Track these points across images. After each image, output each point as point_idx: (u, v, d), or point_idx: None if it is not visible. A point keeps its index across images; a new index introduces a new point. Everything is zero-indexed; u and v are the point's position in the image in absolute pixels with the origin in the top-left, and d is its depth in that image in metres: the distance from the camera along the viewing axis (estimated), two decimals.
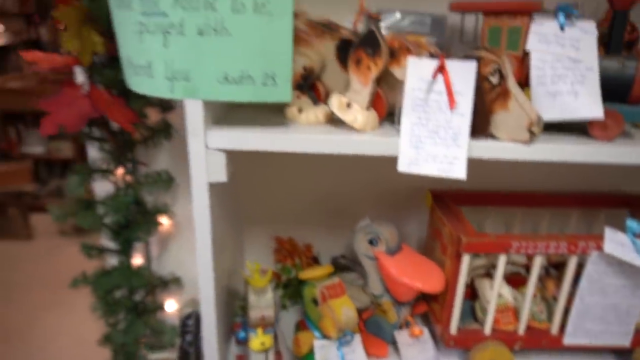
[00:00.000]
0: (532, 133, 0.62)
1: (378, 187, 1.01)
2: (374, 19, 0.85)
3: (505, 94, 0.62)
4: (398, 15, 0.85)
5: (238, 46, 0.58)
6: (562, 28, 0.69)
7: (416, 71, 0.63)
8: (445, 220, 0.84)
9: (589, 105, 0.66)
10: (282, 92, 0.61)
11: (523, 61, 0.71)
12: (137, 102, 0.82)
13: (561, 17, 0.69)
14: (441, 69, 0.62)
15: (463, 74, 0.62)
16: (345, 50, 0.69)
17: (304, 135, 0.63)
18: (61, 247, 3.12)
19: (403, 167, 0.64)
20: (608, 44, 0.71)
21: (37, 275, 2.83)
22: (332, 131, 0.66)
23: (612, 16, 0.70)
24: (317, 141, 0.63)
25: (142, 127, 0.85)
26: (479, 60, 0.61)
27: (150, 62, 0.60)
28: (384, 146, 0.64)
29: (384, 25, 0.86)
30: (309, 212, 1.04)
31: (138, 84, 0.63)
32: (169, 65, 0.59)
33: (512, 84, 0.62)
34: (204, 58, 0.58)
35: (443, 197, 0.94)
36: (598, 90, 0.66)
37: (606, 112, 0.66)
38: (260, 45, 0.59)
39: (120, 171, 0.88)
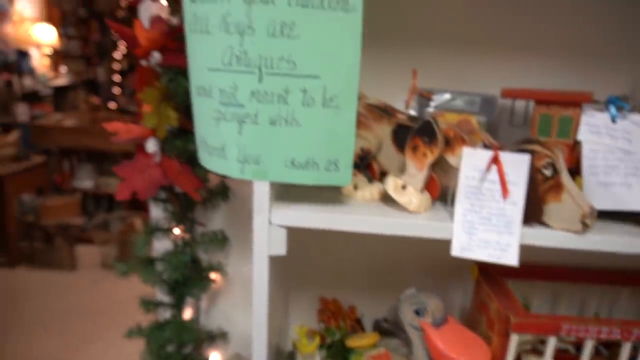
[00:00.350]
0: (585, 225, 0.64)
1: (423, 254, 1.03)
2: (426, 97, 0.90)
3: (558, 187, 0.64)
4: (448, 95, 0.89)
5: (306, 135, 0.63)
6: (613, 120, 0.71)
7: (471, 161, 0.66)
8: (493, 295, 0.85)
9: None
10: (344, 176, 0.66)
11: (574, 149, 0.74)
12: (201, 169, 0.88)
13: (612, 110, 0.71)
14: (495, 160, 0.65)
15: (516, 166, 0.65)
16: (401, 134, 0.74)
17: (362, 217, 0.67)
18: (103, 279, 3.22)
19: (456, 251, 0.66)
20: None
21: (80, 306, 2.93)
22: (387, 212, 0.70)
23: None
24: (375, 223, 0.67)
25: (203, 190, 0.91)
26: (533, 153, 0.64)
27: (225, 145, 0.66)
28: (437, 230, 0.67)
29: (433, 104, 0.90)
30: (354, 275, 1.06)
31: (211, 163, 0.69)
32: (242, 149, 0.65)
33: (565, 177, 0.64)
34: (274, 145, 0.64)
35: (489, 269, 0.94)
36: None
37: None
38: (326, 134, 0.64)
39: (179, 230, 0.94)
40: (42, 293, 3.02)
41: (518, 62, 0.91)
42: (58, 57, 4.62)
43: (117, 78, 5.50)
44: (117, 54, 5.45)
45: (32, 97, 4.15)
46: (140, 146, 0.83)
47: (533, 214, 0.66)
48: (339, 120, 0.64)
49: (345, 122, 0.64)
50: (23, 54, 4.14)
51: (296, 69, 0.61)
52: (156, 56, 0.80)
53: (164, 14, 0.79)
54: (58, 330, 2.68)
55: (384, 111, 0.76)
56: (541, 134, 0.76)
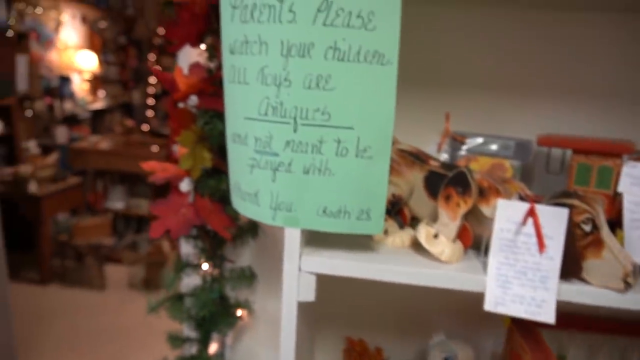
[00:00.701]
0: (627, 284, 0.61)
1: (454, 300, 1.00)
2: (459, 141, 0.89)
3: (598, 243, 0.62)
4: (481, 139, 0.89)
5: (339, 184, 0.64)
6: None
7: (505, 213, 0.65)
8: (526, 346, 0.82)
9: None
10: (375, 226, 0.65)
11: (614, 200, 0.72)
12: (232, 207, 0.89)
13: None
14: (531, 213, 0.64)
15: (554, 220, 0.63)
16: (433, 182, 0.73)
17: (393, 267, 0.66)
18: (131, 299, 3.27)
19: (490, 306, 0.64)
20: None
21: (107, 326, 2.97)
22: (418, 261, 0.69)
23: None
24: (405, 273, 0.66)
25: (233, 227, 0.92)
26: (572, 208, 0.63)
27: (258, 191, 0.67)
28: (470, 283, 0.65)
29: (466, 147, 0.89)
30: (382, 316, 1.04)
31: (243, 207, 0.70)
32: (275, 196, 0.66)
33: (605, 233, 0.62)
34: (307, 193, 0.64)
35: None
36: None
37: None
38: (359, 184, 0.64)
39: (208, 266, 0.95)
40: (71, 312, 3.08)
41: (554, 106, 0.90)
42: (97, 82, 4.83)
43: (150, 101, 5.70)
44: (152, 79, 5.66)
45: (71, 120, 4.33)
46: (174, 185, 0.85)
47: (571, 270, 0.63)
48: (372, 170, 0.64)
49: (378, 173, 0.64)
50: (65, 79, 4.34)
51: (331, 120, 0.62)
52: (193, 98, 0.83)
53: (202, 59, 0.82)
54: (86, 351, 2.72)
55: (417, 157, 0.76)
56: (579, 184, 0.74)
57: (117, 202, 3.74)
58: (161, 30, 4.47)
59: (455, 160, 0.90)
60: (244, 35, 0.63)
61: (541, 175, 0.87)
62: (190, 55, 0.82)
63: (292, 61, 0.61)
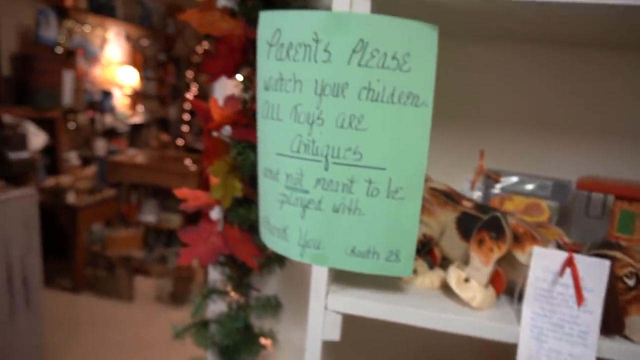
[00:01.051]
0: None
1: (481, 347, 0.96)
2: (493, 179, 0.87)
3: None
4: (516, 178, 0.86)
5: (368, 224, 0.63)
6: None
7: (542, 261, 0.62)
8: None
9: None
10: (404, 267, 0.64)
11: None
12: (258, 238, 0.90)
13: None
14: (569, 263, 0.61)
15: (594, 271, 0.60)
16: (466, 223, 0.71)
17: (421, 311, 0.64)
18: (157, 313, 3.31)
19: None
20: None
21: (133, 338, 3.01)
22: (447, 305, 0.67)
23: None
24: (434, 319, 0.64)
25: (261, 257, 0.92)
26: (613, 260, 0.60)
27: (286, 227, 0.67)
28: (502, 333, 0.63)
29: (500, 185, 0.87)
30: (405, 356, 1.01)
31: (272, 242, 0.70)
32: (303, 233, 0.65)
33: None
34: (336, 232, 0.64)
35: None
36: None
37: None
38: (389, 225, 0.63)
39: (235, 294, 0.95)
40: (100, 321, 3.15)
41: (593, 147, 0.86)
42: (137, 97, 5.01)
43: (186, 117, 5.85)
44: (189, 95, 5.82)
45: (110, 133, 4.49)
46: (205, 213, 0.86)
47: (613, 326, 0.60)
48: (403, 211, 0.63)
49: (409, 214, 0.63)
50: (107, 94, 4.52)
51: (362, 160, 0.62)
52: (227, 128, 0.84)
53: (237, 91, 0.84)
54: None
55: (449, 197, 0.74)
56: (622, 232, 0.71)
57: (149, 215, 3.83)
58: (199, 50, 4.63)
59: (489, 199, 0.87)
60: (279, 73, 0.64)
61: (581, 219, 0.83)
62: (226, 86, 0.84)
63: (325, 100, 0.61)
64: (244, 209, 0.86)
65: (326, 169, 0.63)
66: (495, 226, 0.64)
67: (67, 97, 3.81)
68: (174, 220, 3.78)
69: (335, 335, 0.68)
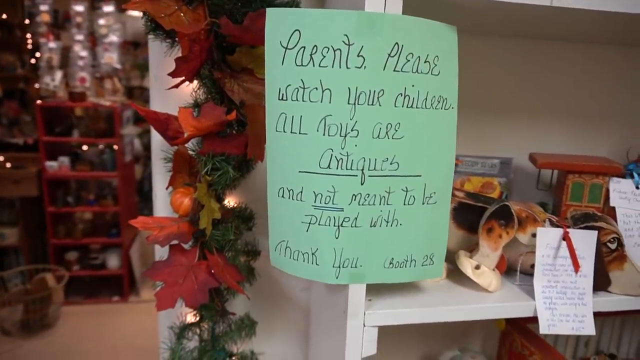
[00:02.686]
0: None
1: None
2: (455, 164, 0.92)
3: (622, 258, 0.71)
4: (471, 160, 0.93)
5: (406, 234, 0.61)
6: (637, 187, 0.80)
7: (544, 240, 0.70)
8: (532, 347, 0.89)
9: None
10: (437, 269, 0.65)
11: (603, 213, 0.81)
12: (235, 257, 0.80)
13: (636, 177, 0.80)
14: (565, 237, 0.69)
15: (585, 241, 0.70)
16: (462, 212, 0.75)
17: (452, 307, 0.66)
18: (9, 349, 2.74)
19: (544, 329, 0.68)
20: None
21: None
22: (467, 295, 0.70)
23: None
24: (464, 311, 0.67)
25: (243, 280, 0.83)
26: (599, 229, 0.70)
27: (317, 250, 0.61)
28: (521, 310, 0.69)
29: (458, 169, 0.93)
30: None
31: (294, 267, 0.63)
32: (338, 254, 0.60)
33: (627, 249, 0.71)
34: (374, 247, 0.61)
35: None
36: None
37: None
38: (425, 230, 0.62)
39: (208, 324, 0.84)
40: None
41: (532, 127, 0.98)
42: None
43: None
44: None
45: None
46: (174, 244, 0.72)
47: (601, 284, 0.71)
48: (436, 215, 0.63)
49: (441, 217, 0.63)
50: None
51: (399, 169, 0.59)
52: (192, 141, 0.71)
53: (194, 96, 0.71)
54: None
55: None
56: (574, 200, 0.83)
57: None
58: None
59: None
60: (299, 80, 0.56)
61: (527, 192, 0.95)
62: (167, 91, 0.69)
63: (360, 109, 0.56)
64: (220, 230, 0.75)
65: (362, 183, 0.58)
66: (505, 214, 0.69)
67: None
68: (9, 236, 3.11)
69: (373, 349, 0.66)
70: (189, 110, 0.66)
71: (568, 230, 0.70)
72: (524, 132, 0.98)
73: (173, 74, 0.64)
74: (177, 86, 0.68)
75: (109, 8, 3.30)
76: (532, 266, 0.70)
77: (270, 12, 0.56)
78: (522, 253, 0.74)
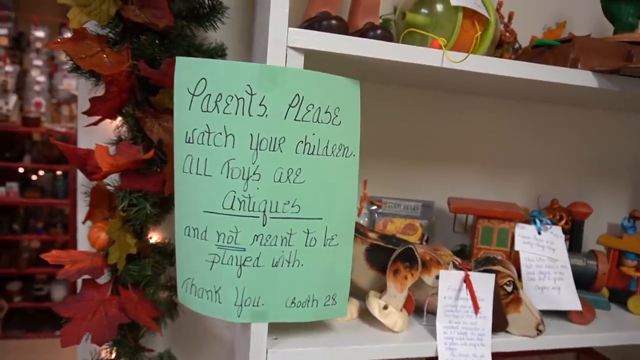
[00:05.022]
0: (539, 331, 0.75)
1: None
2: (378, 205, 0.97)
3: (517, 300, 0.75)
4: (393, 202, 0.98)
5: (307, 274, 0.64)
6: (539, 232, 0.86)
7: (447, 282, 0.73)
8: None
9: (569, 299, 0.82)
10: (340, 309, 0.67)
11: (510, 256, 0.87)
12: (152, 292, 0.80)
13: (538, 223, 0.86)
14: (466, 280, 0.73)
15: (484, 284, 0.74)
16: (373, 253, 0.78)
17: (357, 347, 0.68)
18: None
19: None
20: (571, 245, 0.90)
21: None
22: (373, 335, 0.72)
23: (572, 224, 0.90)
24: (368, 351, 0.69)
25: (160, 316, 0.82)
26: (497, 273, 0.74)
27: (219, 288, 0.62)
28: (423, 350, 0.71)
29: (381, 210, 0.97)
30: None
31: (200, 305, 0.64)
32: (240, 292, 0.62)
33: (522, 292, 0.75)
34: (275, 286, 0.63)
35: None
36: (573, 285, 0.83)
37: (581, 302, 0.82)
38: (326, 271, 0.65)
39: None
40: None
41: (449, 172, 1.04)
42: None
43: None
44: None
45: None
46: (89, 281, 0.72)
47: (499, 325, 0.75)
48: (338, 256, 0.66)
49: (343, 258, 0.66)
50: None
51: (300, 212, 0.62)
52: (111, 177, 0.72)
53: (118, 133, 0.72)
54: None
55: (357, 231, 0.80)
56: (484, 243, 0.88)
57: None
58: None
59: (375, 223, 0.97)
60: (205, 125, 0.59)
61: (448, 234, 0.99)
62: (93, 128, 0.71)
63: (262, 155, 0.59)
64: (137, 265, 0.75)
65: (264, 224, 0.61)
66: (409, 257, 0.73)
67: None
68: None
69: None
70: (105, 147, 0.68)
71: (469, 273, 0.74)
72: (445, 178, 1.03)
73: (88, 113, 0.66)
74: (95, 124, 0.70)
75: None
76: None
77: (179, 60, 0.59)
78: (429, 294, 0.77)
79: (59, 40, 0.66)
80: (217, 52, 0.80)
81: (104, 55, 0.68)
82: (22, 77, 3.27)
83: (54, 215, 3.35)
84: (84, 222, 0.77)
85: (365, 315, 0.78)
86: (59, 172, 3.18)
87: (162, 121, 0.73)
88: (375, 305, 0.74)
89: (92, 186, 0.75)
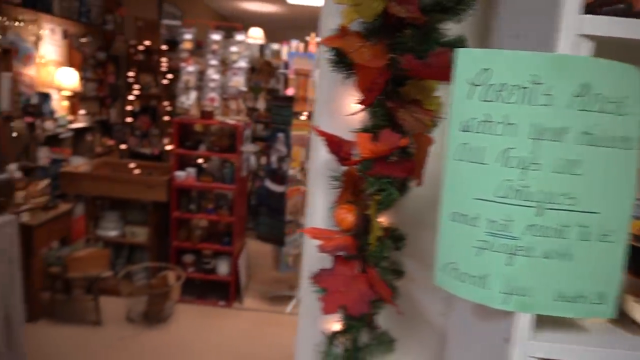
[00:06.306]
0: None
1: None
2: None
3: None
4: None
5: (578, 269, 0.62)
6: None
7: None
8: None
9: None
10: (610, 309, 0.64)
11: None
12: (382, 274, 0.85)
13: None
14: None
15: None
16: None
17: (620, 351, 0.65)
18: (130, 336, 3.07)
19: None
20: None
21: None
22: (629, 340, 0.68)
23: None
24: (635, 357, 0.64)
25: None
26: None
27: (486, 275, 0.64)
28: None
29: None
30: None
31: (461, 289, 0.66)
32: (508, 281, 0.63)
33: None
34: (545, 278, 0.62)
35: None
36: None
37: None
38: (598, 268, 0.62)
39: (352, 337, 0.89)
40: (67, 351, 2.85)
41: None
42: (76, 99, 4.57)
43: (129, 119, 5.46)
44: (130, 96, 5.43)
45: (51, 141, 4.06)
46: (340, 257, 0.80)
47: None
48: (611, 254, 0.63)
49: (616, 256, 0.63)
50: (44, 97, 4.07)
51: (577, 204, 0.60)
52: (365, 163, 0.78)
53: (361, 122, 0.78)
54: None
55: None
56: None
57: (110, 231, 3.53)
58: (140, 48, 4.26)
59: None
60: (485, 114, 0.60)
61: None
62: (333, 116, 0.78)
63: (542, 145, 0.59)
64: (379, 247, 0.81)
65: (539, 214, 0.60)
66: None
67: (5, 101, 3.39)
68: (139, 234, 3.51)
69: None
70: (367, 135, 0.73)
71: None
72: None
73: (361, 102, 0.72)
74: (358, 112, 0.76)
75: (240, 37, 3.65)
76: None
77: (461, 52, 0.61)
78: None
79: (328, 37, 0.74)
80: (458, 44, 0.81)
81: (364, 50, 0.74)
82: (200, 76, 3.72)
83: (219, 198, 3.77)
84: (335, 205, 0.84)
85: (619, 321, 0.73)
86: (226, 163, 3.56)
87: (411, 111, 0.77)
88: (637, 309, 0.69)
89: (344, 171, 0.82)
